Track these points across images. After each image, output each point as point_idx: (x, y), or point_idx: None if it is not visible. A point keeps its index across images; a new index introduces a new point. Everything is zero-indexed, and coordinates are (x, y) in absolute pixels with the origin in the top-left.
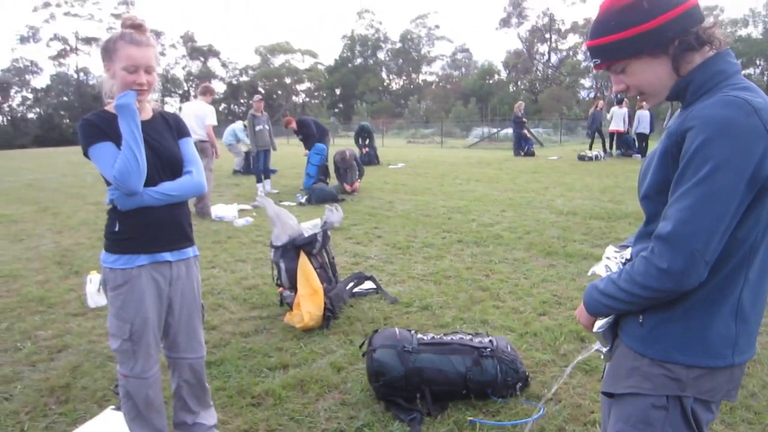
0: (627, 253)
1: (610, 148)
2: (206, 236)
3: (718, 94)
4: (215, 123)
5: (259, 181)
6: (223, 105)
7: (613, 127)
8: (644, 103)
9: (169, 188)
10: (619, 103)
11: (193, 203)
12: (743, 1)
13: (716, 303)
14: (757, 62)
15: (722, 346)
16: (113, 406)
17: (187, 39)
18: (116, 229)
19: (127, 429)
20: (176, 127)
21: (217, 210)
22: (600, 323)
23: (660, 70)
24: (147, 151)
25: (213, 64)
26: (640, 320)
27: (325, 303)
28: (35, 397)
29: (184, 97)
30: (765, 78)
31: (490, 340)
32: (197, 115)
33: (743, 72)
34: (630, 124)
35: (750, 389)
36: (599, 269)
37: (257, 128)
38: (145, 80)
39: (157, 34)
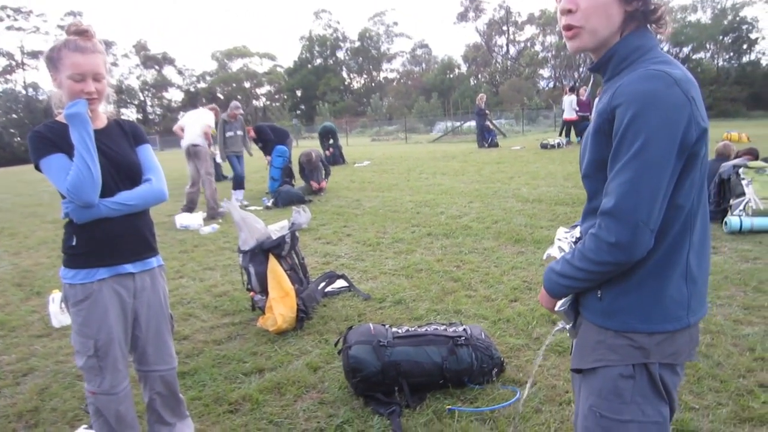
0: (576, 232)
1: (567, 135)
2: (172, 246)
3: (639, 69)
4: (212, 125)
5: (237, 187)
6: (181, 113)
7: (566, 116)
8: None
9: (127, 198)
10: (572, 90)
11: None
12: None
13: (666, 269)
14: (707, 46)
15: (677, 309)
16: (85, 426)
17: (140, 48)
18: (73, 243)
19: None
20: (133, 134)
21: (182, 219)
22: (561, 302)
23: (613, 14)
24: (102, 160)
25: (168, 72)
26: (599, 295)
27: (297, 304)
28: (2, 423)
29: (140, 107)
30: (715, 61)
31: (464, 329)
32: (195, 120)
33: (694, 56)
34: (588, 110)
35: (715, 359)
36: (553, 251)
37: (228, 134)
38: (94, 88)
39: (108, 44)
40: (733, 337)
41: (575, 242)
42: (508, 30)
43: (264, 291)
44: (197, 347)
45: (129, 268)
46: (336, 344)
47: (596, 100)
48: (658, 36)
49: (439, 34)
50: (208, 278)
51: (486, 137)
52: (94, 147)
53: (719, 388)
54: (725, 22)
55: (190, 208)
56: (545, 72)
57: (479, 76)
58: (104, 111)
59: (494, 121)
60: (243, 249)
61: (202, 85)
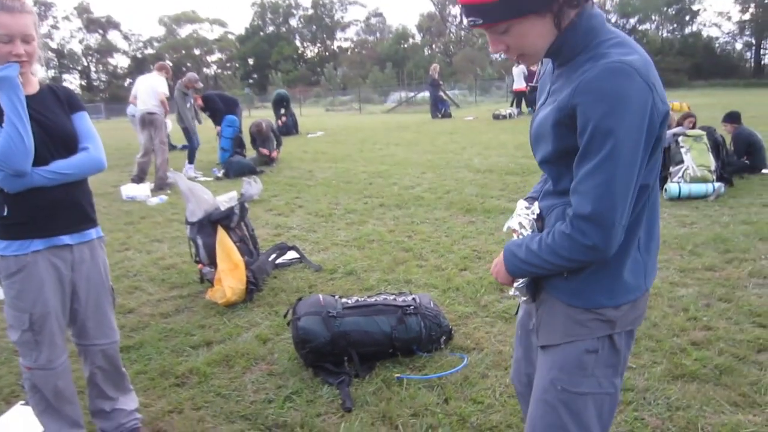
0: (536, 208)
1: (518, 106)
2: (118, 217)
3: (602, 60)
4: (167, 92)
5: (192, 161)
6: (128, 80)
7: (516, 86)
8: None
9: (62, 166)
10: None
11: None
12: None
13: (627, 244)
14: (653, 17)
15: (637, 278)
16: (22, 402)
17: (82, 10)
18: (5, 213)
19: (38, 423)
20: (68, 101)
21: (128, 190)
22: (520, 280)
23: (544, 29)
24: (34, 128)
25: (114, 36)
26: (565, 275)
27: (247, 276)
28: None
29: (84, 73)
30: (659, 32)
31: (413, 298)
32: (150, 86)
33: (640, 27)
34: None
35: (652, 320)
36: (513, 223)
37: (188, 104)
38: (23, 50)
39: (47, 6)
40: (669, 298)
41: (536, 219)
42: None
43: (213, 263)
44: (143, 321)
45: (66, 239)
46: (285, 316)
47: (541, 70)
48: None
49: (393, 2)
50: (155, 250)
51: (439, 108)
52: (25, 113)
53: (654, 347)
54: None
55: (140, 177)
56: None
57: (433, 46)
58: (36, 76)
59: (448, 92)
60: (191, 220)
61: (149, 51)
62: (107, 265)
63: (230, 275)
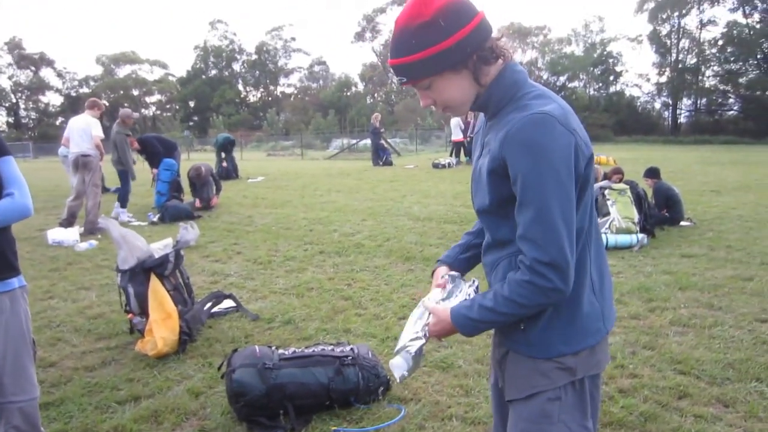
0: (471, 286)
1: (457, 155)
2: (42, 264)
3: (524, 112)
4: (102, 134)
5: (124, 205)
6: (60, 119)
7: (453, 137)
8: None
9: None
10: None
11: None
12: (567, 22)
13: (579, 289)
14: (581, 76)
15: (594, 322)
16: None
17: (14, 46)
18: None
19: None
20: None
21: (55, 234)
22: None
23: (463, 83)
24: None
25: (47, 74)
26: (522, 327)
27: (180, 326)
28: None
29: (12, 110)
30: (587, 90)
31: (351, 349)
32: (82, 129)
33: (570, 85)
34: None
35: None
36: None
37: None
38: None
39: None
40: None
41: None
42: None
43: (144, 313)
44: (65, 375)
45: None
46: (219, 368)
47: (476, 122)
48: (513, 62)
49: (336, 51)
50: (81, 299)
51: (381, 155)
52: None
53: None
54: (595, 55)
55: (69, 221)
56: None
57: (375, 95)
58: None
59: (389, 140)
60: (122, 268)
61: (84, 90)
62: (29, 316)
63: (162, 325)
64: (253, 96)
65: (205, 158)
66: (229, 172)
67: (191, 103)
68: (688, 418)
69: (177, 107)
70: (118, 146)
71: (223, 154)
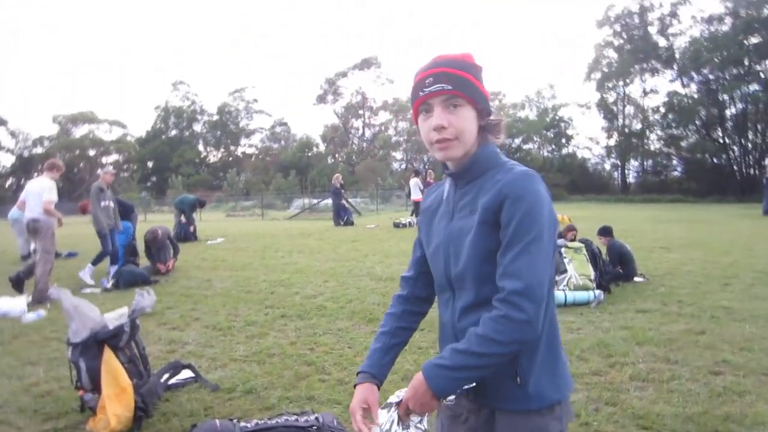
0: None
1: (417, 215)
2: None
3: (514, 170)
4: (54, 198)
5: (113, 263)
6: (11, 179)
7: (413, 197)
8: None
9: None
10: (416, 174)
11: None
12: (521, 88)
13: (555, 332)
14: (534, 139)
15: (567, 372)
16: None
17: None
18: None
19: None
20: None
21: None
22: (451, 396)
23: (474, 128)
24: None
25: None
26: (518, 381)
27: (135, 401)
28: None
29: None
30: (541, 152)
31: (316, 418)
32: (36, 192)
33: (524, 147)
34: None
35: None
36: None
37: (102, 204)
38: None
39: None
40: None
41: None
42: (364, 114)
43: (96, 388)
44: None
45: None
46: None
47: (445, 192)
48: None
49: (298, 113)
50: (28, 375)
51: (342, 215)
52: None
53: None
54: (548, 119)
55: (21, 277)
56: (398, 154)
57: (336, 155)
58: None
59: (350, 200)
60: (73, 341)
61: (38, 150)
62: None
63: (116, 401)
64: (214, 156)
65: (163, 219)
66: (188, 234)
67: (150, 164)
68: None
69: (135, 167)
70: (92, 205)
71: (182, 216)
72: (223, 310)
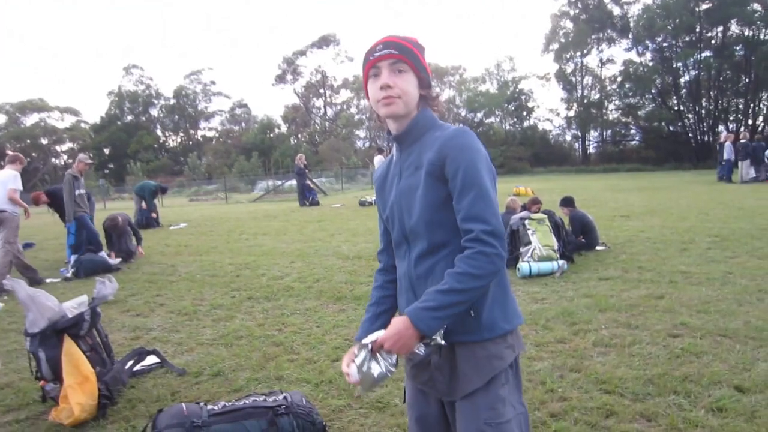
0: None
1: None
2: None
3: (450, 128)
4: (18, 187)
5: (99, 250)
6: None
7: None
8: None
9: None
10: (380, 151)
11: None
12: (481, 62)
13: (503, 274)
14: (496, 112)
15: (516, 305)
16: None
17: None
18: None
19: None
20: None
21: None
22: (421, 347)
23: (416, 94)
24: None
25: None
26: (472, 314)
27: (99, 389)
28: None
29: None
30: (503, 125)
31: (285, 397)
32: (2, 183)
33: (487, 120)
34: None
35: None
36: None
37: (77, 192)
38: None
39: None
40: (528, 373)
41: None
42: (325, 93)
43: (57, 378)
44: None
45: None
46: (144, 431)
47: (392, 158)
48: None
49: (258, 94)
50: None
51: (307, 196)
52: None
53: None
54: (508, 93)
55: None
56: (361, 133)
57: (299, 135)
58: None
59: (315, 180)
60: (31, 332)
61: None
62: None
63: (79, 390)
64: (173, 141)
65: (123, 207)
66: (150, 221)
67: (106, 151)
68: None
69: (91, 155)
70: (64, 194)
71: (143, 201)
72: (188, 294)
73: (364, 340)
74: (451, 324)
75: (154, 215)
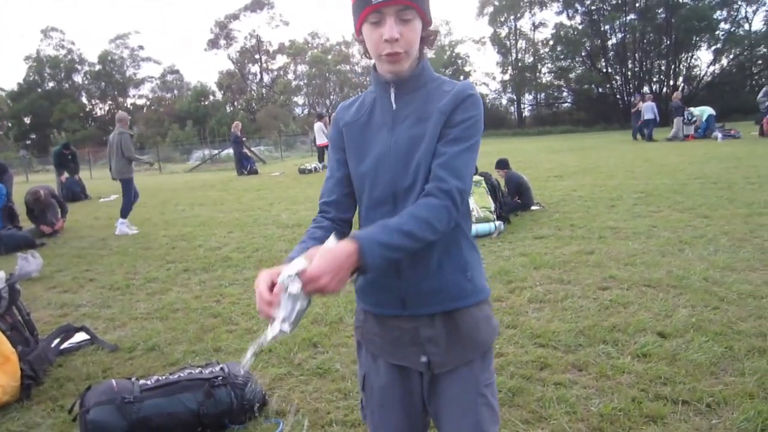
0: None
1: (321, 160)
2: None
3: (459, 82)
4: None
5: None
6: None
7: (319, 142)
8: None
9: None
10: (319, 118)
11: None
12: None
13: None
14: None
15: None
16: None
17: None
18: None
19: None
20: None
21: None
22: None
23: (418, 41)
24: None
25: None
26: (468, 276)
27: (22, 369)
28: None
29: None
30: None
31: (222, 368)
32: None
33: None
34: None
35: None
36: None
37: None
38: None
39: None
40: None
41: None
42: (261, 59)
43: None
44: None
45: None
46: (71, 410)
47: (373, 103)
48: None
49: (190, 60)
50: None
51: (245, 164)
52: None
53: None
54: (445, 57)
55: None
56: (299, 99)
57: (235, 103)
58: None
59: (253, 148)
60: None
61: None
62: None
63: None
64: (101, 109)
65: (48, 179)
66: (76, 193)
67: (27, 120)
68: (549, 386)
69: (9, 125)
70: (123, 148)
71: (65, 172)
72: (120, 269)
73: (288, 271)
74: (453, 291)
75: (77, 177)
